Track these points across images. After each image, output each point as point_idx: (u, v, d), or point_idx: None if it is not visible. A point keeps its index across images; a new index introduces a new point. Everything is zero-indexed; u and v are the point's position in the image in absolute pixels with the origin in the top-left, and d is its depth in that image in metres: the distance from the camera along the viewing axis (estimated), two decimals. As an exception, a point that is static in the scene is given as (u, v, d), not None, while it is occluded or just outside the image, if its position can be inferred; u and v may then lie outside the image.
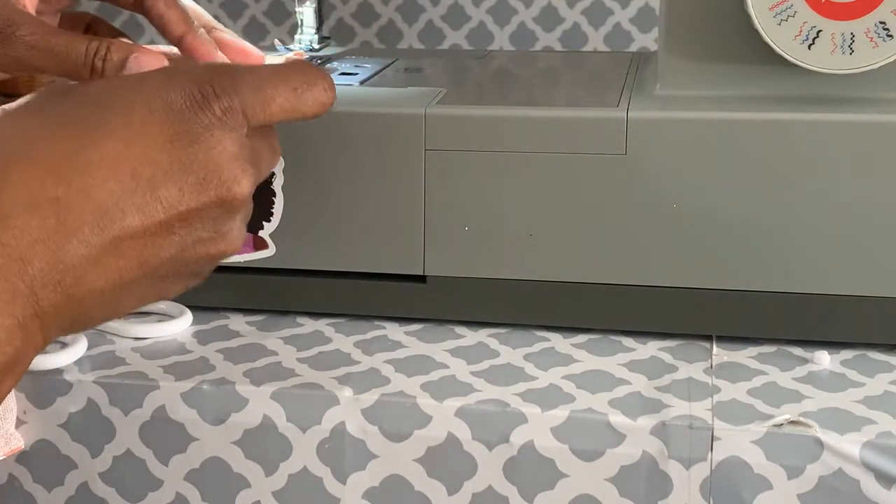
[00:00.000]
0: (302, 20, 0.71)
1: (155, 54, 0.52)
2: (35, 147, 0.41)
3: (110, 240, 0.41)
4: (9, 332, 0.38)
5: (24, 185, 0.39)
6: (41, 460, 0.56)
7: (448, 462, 0.52)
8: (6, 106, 0.43)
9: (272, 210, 0.61)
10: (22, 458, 0.56)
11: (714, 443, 0.50)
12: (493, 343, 0.60)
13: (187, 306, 0.63)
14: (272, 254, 0.62)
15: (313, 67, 0.48)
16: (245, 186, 0.44)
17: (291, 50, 0.72)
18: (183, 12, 0.57)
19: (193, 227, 0.43)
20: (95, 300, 0.41)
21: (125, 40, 0.55)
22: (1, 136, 0.41)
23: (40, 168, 0.40)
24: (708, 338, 0.60)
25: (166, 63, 0.52)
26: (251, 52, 0.59)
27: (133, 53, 0.52)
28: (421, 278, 0.61)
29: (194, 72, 0.45)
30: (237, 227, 0.45)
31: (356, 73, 0.67)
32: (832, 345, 0.58)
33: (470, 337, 0.61)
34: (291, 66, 0.48)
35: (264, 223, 0.61)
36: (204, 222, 0.43)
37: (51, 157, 0.40)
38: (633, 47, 1.02)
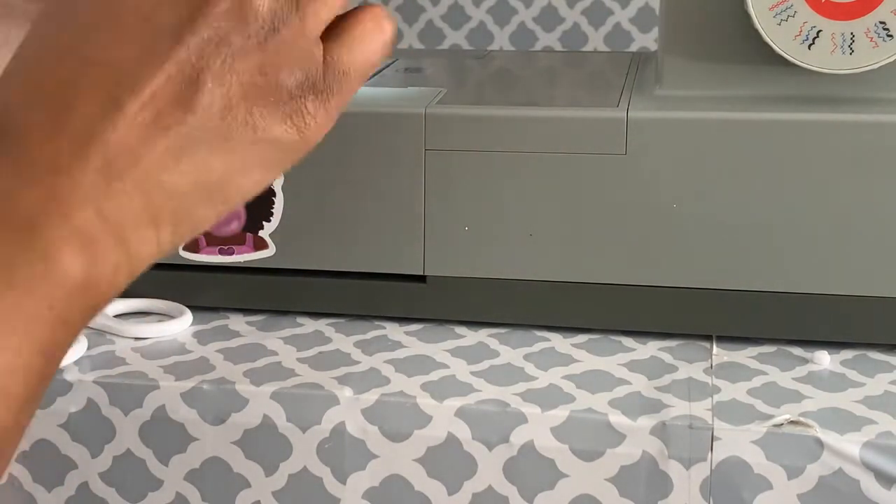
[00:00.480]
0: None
1: None
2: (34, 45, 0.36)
3: (137, 106, 0.35)
4: (67, 246, 0.33)
5: (25, 93, 0.35)
6: (41, 460, 0.56)
7: (448, 462, 0.52)
8: None
9: (272, 210, 0.61)
10: (22, 458, 0.56)
11: (714, 443, 0.50)
12: (493, 343, 0.60)
13: (187, 306, 0.63)
14: (272, 254, 0.62)
15: None
16: None
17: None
18: None
19: (214, 41, 0.36)
20: (168, 173, 0.36)
21: None
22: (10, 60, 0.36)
23: (39, 65, 0.35)
24: (708, 338, 0.60)
25: None
26: None
27: None
28: (421, 278, 0.61)
29: None
30: (265, 15, 0.37)
31: (356, 73, 0.67)
32: (832, 345, 0.58)
33: (470, 337, 0.61)
34: None
35: (264, 223, 0.61)
36: (222, 29, 0.36)
37: (43, 51, 0.36)
38: (633, 47, 1.02)
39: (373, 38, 0.40)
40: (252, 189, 0.39)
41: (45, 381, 0.34)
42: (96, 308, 0.35)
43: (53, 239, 0.33)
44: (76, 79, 0.35)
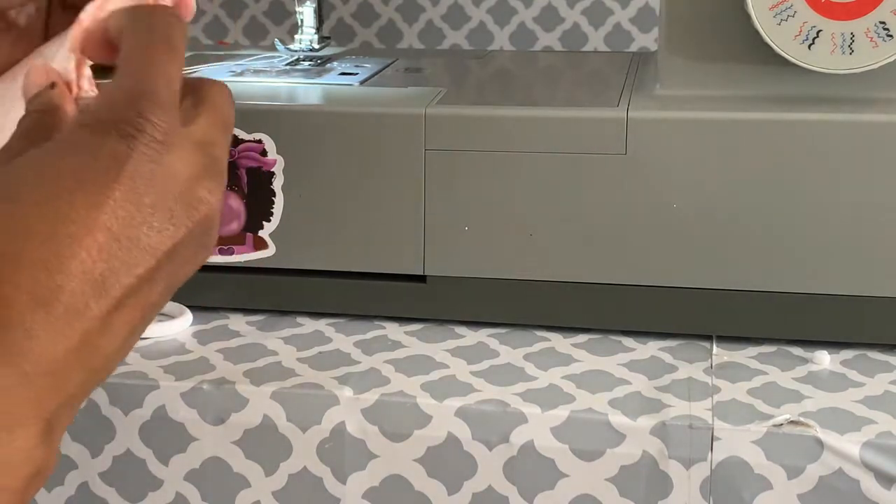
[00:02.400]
0: (302, 20, 0.71)
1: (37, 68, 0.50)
2: (12, 243, 0.40)
3: (112, 304, 0.40)
4: (40, 439, 0.38)
5: (22, 285, 0.39)
6: (41, 460, 0.56)
7: (448, 462, 0.52)
8: None
9: (272, 210, 0.61)
10: (22, 458, 0.56)
11: (714, 443, 0.50)
12: (493, 343, 0.60)
13: (187, 306, 0.63)
14: (272, 254, 0.62)
15: (146, 6, 0.46)
16: (213, 201, 0.43)
17: (291, 50, 0.72)
18: None
19: (179, 254, 0.43)
20: (113, 357, 0.42)
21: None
22: None
23: (29, 263, 0.39)
24: (708, 338, 0.60)
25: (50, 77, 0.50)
26: None
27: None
28: (421, 278, 0.61)
29: (117, 110, 0.43)
30: (216, 232, 0.45)
31: (356, 73, 0.67)
32: (832, 345, 0.58)
33: (470, 337, 0.61)
34: (143, 21, 0.45)
35: (264, 223, 0.61)
36: (187, 246, 0.43)
37: (32, 249, 0.40)
38: (633, 47, 1.02)
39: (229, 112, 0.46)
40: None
41: None
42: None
43: (36, 438, 0.37)
44: (67, 287, 0.39)
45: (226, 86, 0.47)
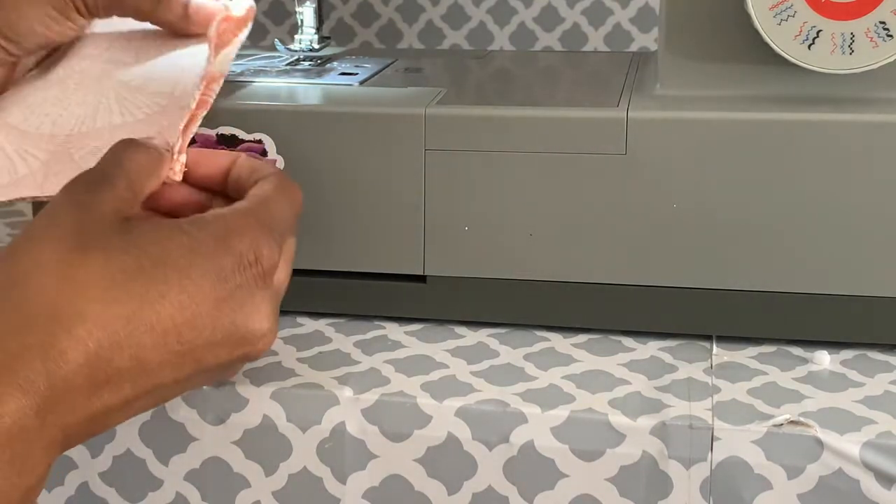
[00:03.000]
0: (302, 20, 0.71)
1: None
2: (98, 307, 0.42)
3: (143, 392, 0.44)
4: (43, 480, 0.41)
5: (86, 348, 0.41)
6: (41, 460, 0.56)
7: (448, 462, 0.52)
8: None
9: (272, 210, 0.61)
10: (22, 458, 0.56)
11: (714, 443, 0.50)
12: (493, 343, 0.60)
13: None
14: (272, 254, 0.62)
15: (289, 183, 0.51)
16: (269, 341, 0.47)
17: (291, 50, 0.72)
18: None
19: (215, 370, 0.47)
20: (115, 423, 0.45)
21: None
22: (68, 285, 0.42)
23: (102, 331, 0.42)
24: (708, 338, 0.60)
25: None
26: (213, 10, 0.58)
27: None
28: (421, 278, 0.61)
29: (247, 233, 0.46)
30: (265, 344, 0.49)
31: (356, 73, 0.67)
32: (832, 345, 0.58)
33: (470, 337, 0.61)
34: (288, 189, 0.51)
35: (264, 223, 0.61)
36: (225, 367, 0.47)
37: (112, 320, 0.42)
38: (633, 47, 1.02)
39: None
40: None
41: None
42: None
43: (39, 479, 0.40)
44: (120, 368, 0.43)
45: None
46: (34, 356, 0.40)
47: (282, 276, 0.49)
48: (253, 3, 0.58)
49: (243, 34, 0.57)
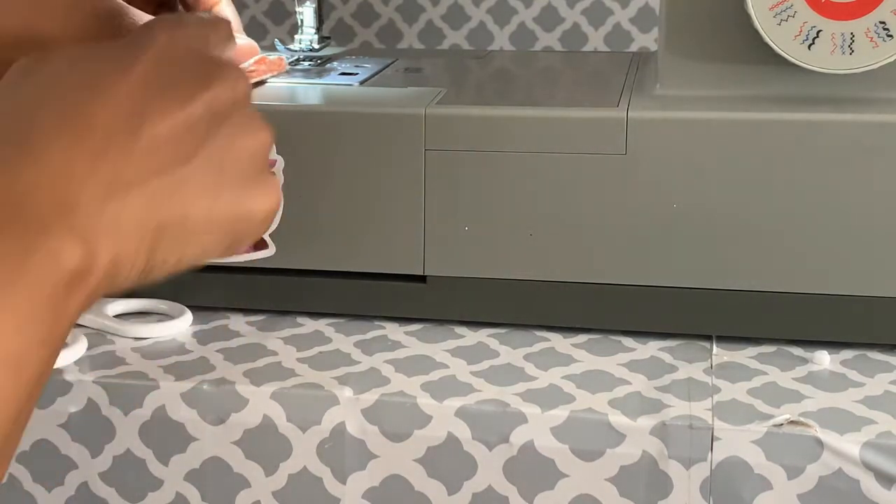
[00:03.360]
0: (302, 20, 0.71)
1: None
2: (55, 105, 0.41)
3: (148, 142, 0.41)
4: (68, 244, 0.38)
5: (50, 115, 0.40)
6: (41, 460, 0.56)
7: (448, 462, 0.52)
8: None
9: (272, 210, 0.61)
10: (22, 457, 0.56)
11: (714, 443, 0.50)
12: (493, 343, 0.60)
13: (187, 306, 0.63)
14: (272, 254, 0.62)
15: None
16: (240, 81, 0.44)
17: (291, 50, 0.72)
18: None
19: (215, 122, 0.43)
20: (162, 208, 0.41)
21: None
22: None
23: (65, 100, 0.40)
24: (708, 338, 0.60)
25: None
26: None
27: None
28: (421, 278, 0.61)
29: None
30: (252, 113, 0.45)
31: (356, 73, 0.67)
32: (832, 345, 0.58)
33: (470, 337, 0.61)
34: None
35: (264, 223, 0.61)
36: (218, 114, 0.43)
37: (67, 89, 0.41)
38: (633, 47, 1.02)
39: None
40: (223, 244, 0.45)
41: (46, 373, 0.37)
42: (88, 304, 0.39)
43: (59, 237, 0.37)
44: (97, 111, 0.40)
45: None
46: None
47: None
48: (285, 58, 0.66)
49: (267, 77, 0.63)
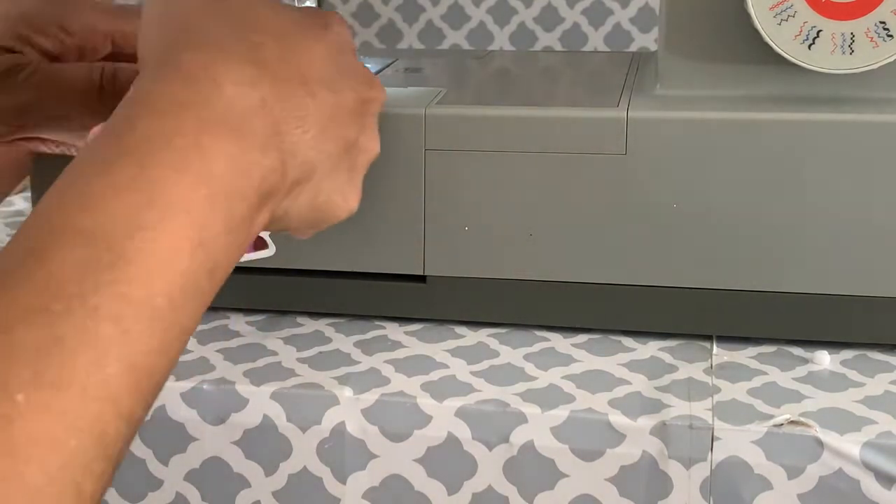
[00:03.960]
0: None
1: None
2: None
3: (301, 78, 0.44)
4: (273, 162, 0.41)
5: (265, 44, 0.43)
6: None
7: (448, 462, 0.52)
8: None
9: (272, 210, 0.61)
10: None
11: (714, 443, 0.50)
12: (493, 343, 0.60)
13: (187, 306, 0.63)
14: (272, 254, 0.62)
15: None
16: (378, 89, 0.49)
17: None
18: None
19: (356, 118, 0.48)
20: (302, 152, 0.44)
21: None
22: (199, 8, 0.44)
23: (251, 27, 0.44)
24: (708, 338, 0.60)
25: None
26: None
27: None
28: (421, 278, 0.61)
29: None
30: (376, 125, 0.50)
31: (356, 73, 0.67)
32: (832, 345, 0.58)
33: (470, 337, 0.61)
34: None
35: (264, 223, 0.61)
36: (360, 114, 0.48)
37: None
38: (633, 47, 1.02)
39: None
40: (338, 213, 0.50)
41: (210, 286, 0.40)
42: (265, 219, 0.43)
43: (275, 150, 0.41)
44: (264, 44, 0.43)
45: None
46: (233, 42, 0.42)
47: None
48: None
49: None
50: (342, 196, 0.48)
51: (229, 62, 0.41)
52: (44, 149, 0.58)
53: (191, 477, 0.55)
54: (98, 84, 0.55)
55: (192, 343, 0.60)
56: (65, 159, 0.60)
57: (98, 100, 0.55)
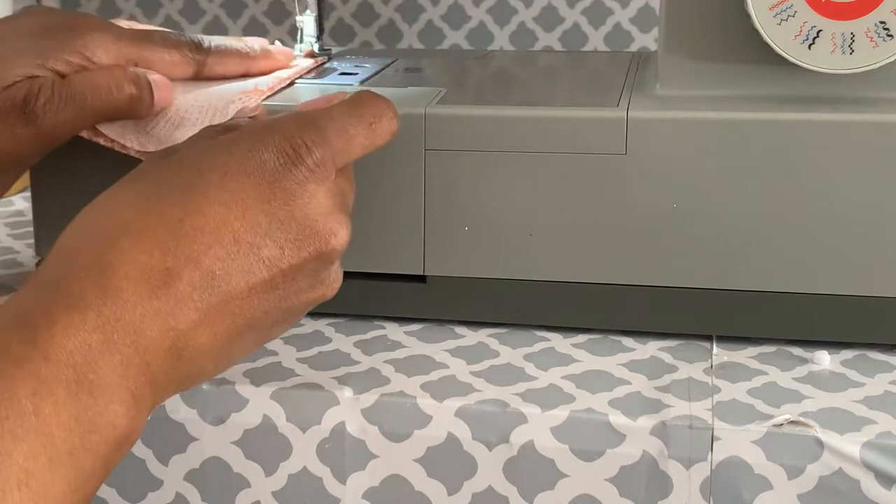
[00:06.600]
0: (302, 29, 0.70)
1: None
2: (141, 219, 0.42)
3: (218, 303, 0.42)
4: (125, 406, 0.40)
5: (134, 259, 0.41)
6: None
7: (448, 462, 0.52)
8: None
9: (272, 210, 0.61)
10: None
11: (714, 443, 0.50)
12: (493, 343, 0.60)
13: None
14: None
15: (377, 97, 0.50)
16: (342, 238, 0.46)
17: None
18: (233, 56, 0.62)
19: (295, 280, 0.45)
20: (205, 358, 0.43)
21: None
22: (109, 211, 0.43)
23: (148, 240, 0.41)
24: (708, 338, 0.60)
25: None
26: (277, 55, 0.65)
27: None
28: (421, 278, 0.61)
29: (283, 128, 0.46)
30: (335, 270, 0.48)
31: (356, 73, 0.67)
32: (832, 345, 0.58)
33: (470, 337, 0.61)
34: (361, 100, 0.50)
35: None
36: (305, 274, 0.45)
37: (156, 228, 0.42)
38: (633, 47, 1.02)
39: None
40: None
41: None
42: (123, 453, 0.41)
43: (120, 404, 0.39)
44: (181, 266, 0.41)
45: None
46: (84, 276, 0.40)
47: (345, 186, 0.48)
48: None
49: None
50: (272, 336, 0.48)
51: (85, 301, 0.40)
52: (99, 140, 0.59)
53: (191, 477, 0.55)
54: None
55: (192, 343, 0.60)
56: (66, 161, 0.60)
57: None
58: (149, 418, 0.54)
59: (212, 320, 0.42)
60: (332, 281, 0.48)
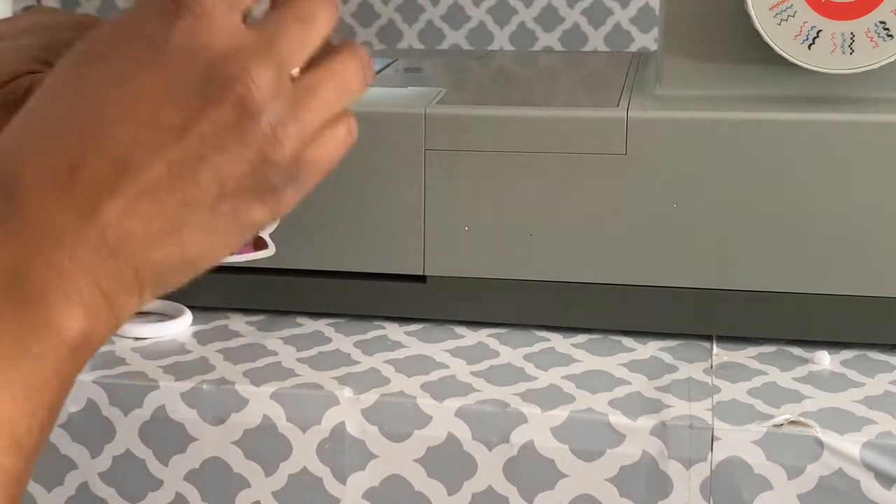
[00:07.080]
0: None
1: None
2: (38, 127, 0.40)
3: (132, 186, 0.39)
4: (67, 312, 0.38)
5: (34, 163, 0.39)
6: (41, 460, 0.56)
7: (448, 462, 0.52)
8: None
9: (272, 210, 0.61)
10: (22, 458, 0.56)
11: (714, 443, 0.50)
12: (493, 343, 0.60)
13: (187, 306, 0.63)
14: (272, 254, 0.62)
15: None
16: (258, 82, 0.40)
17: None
18: None
19: (214, 138, 0.40)
20: (146, 246, 0.39)
21: None
22: (8, 130, 0.41)
23: (46, 140, 0.39)
24: (708, 338, 0.60)
25: None
26: None
27: None
28: (421, 278, 0.61)
29: None
30: (276, 123, 0.41)
31: (356, 73, 0.67)
32: (832, 345, 0.58)
33: (470, 337, 0.61)
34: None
35: (264, 223, 0.61)
36: (226, 130, 0.40)
37: (52, 128, 0.40)
38: (633, 47, 1.02)
39: (342, 142, 0.47)
40: (222, 256, 0.43)
41: (49, 431, 0.39)
42: (87, 361, 0.39)
43: (60, 310, 0.38)
44: (84, 159, 0.39)
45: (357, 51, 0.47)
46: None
47: (278, 25, 0.42)
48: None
49: None
50: (244, 221, 0.42)
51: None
52: None
53: (191, 477, 0.55)
54: None
55: (192, 343, 0.60)
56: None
57: None
58: (148, 417, 0.55)
59: (133, 205, 0.39)
60: (280, 137, 0.41)
